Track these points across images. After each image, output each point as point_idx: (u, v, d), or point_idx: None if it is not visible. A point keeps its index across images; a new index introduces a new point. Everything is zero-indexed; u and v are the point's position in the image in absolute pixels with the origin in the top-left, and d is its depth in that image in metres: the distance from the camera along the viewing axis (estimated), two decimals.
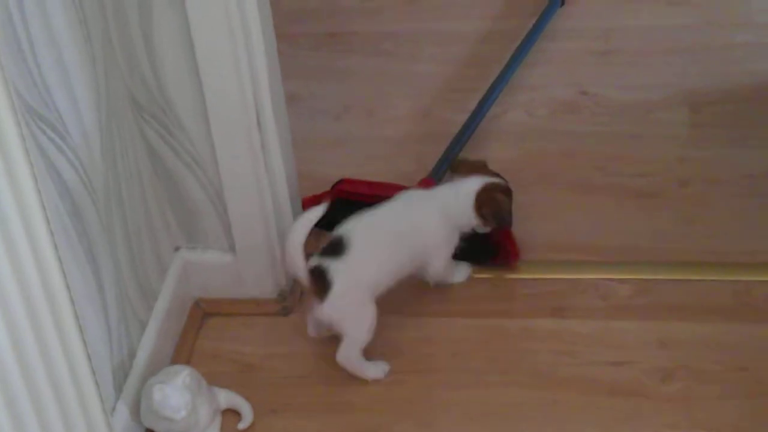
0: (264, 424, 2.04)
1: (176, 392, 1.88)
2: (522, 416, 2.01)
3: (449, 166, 2.40)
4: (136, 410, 1.95)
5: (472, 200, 2.15)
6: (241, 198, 2.14)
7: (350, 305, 2.05)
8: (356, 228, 2.09)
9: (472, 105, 2.73)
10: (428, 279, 2.20)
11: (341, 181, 2.38)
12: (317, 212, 2.01)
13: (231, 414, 2.05)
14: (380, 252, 2.09)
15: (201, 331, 2.23)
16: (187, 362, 2.12)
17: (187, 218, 2.19)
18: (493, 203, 2.15)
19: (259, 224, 2.18)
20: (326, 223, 2.28)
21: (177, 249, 2.23)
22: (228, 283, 2.25)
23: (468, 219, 2.16)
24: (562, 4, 3.02)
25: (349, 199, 2.33)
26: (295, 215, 2.25)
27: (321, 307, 2.03)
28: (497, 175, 2.21)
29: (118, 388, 1.95)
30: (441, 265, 2.18)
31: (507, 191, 2.19)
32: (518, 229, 2.26)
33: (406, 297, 2.22)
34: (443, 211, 2.15)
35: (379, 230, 2.12)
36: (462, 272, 2.28)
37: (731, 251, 2.30)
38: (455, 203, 2.16)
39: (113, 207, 1.93)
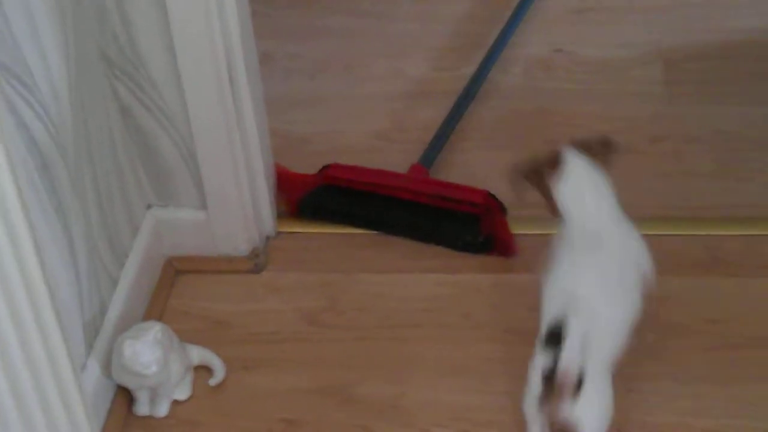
0: (235, 381, 2.04)
1: (147, 348, 1.88)
2: (495, 371, 2.02)
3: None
4: (107, 367, 1.95)
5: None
6: (213, 155, 2.14)
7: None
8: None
9: (447, 63, 2.75)
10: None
11: (328, 166, 2.35)
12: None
13: (203, 370, 2.05)
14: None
15: (173, 288, 2.23)
16: (159, 319, 2.11)
17: (159, 176, 2.18)
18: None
19: (231, 182, 2.17)
20: (312, 211, 2.30)
21: (149, 207, 2.22)
22: (200, 241, 2.24)
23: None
24: None
25: (336, 184, 2.34)
26: (267, 173, 2.25)
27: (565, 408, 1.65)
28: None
29: (89, 345, 1.95)
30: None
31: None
32: (493, 188, 2.25)
33: (377, 254, 2.22)
34: None
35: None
36: None
37: (703, 206, 2.31)
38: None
39: (83, 163, 1.92)
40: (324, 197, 2.33)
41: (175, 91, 2.06)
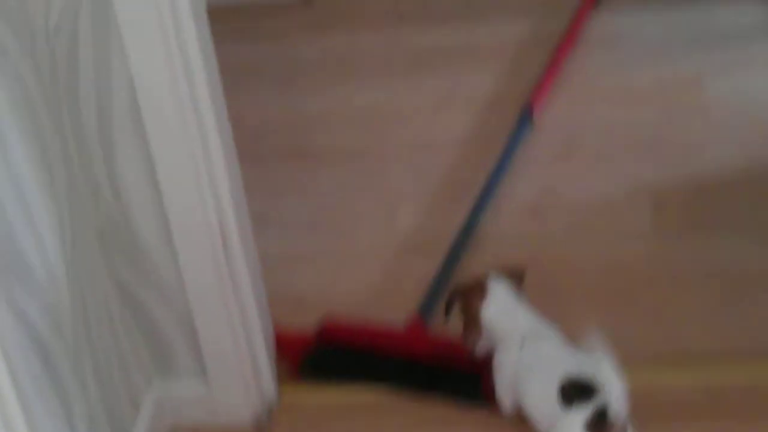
0: None
1: None
2: None
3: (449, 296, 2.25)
4: None
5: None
6: (211, 324, 2.15)
7: None
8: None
9: (438, 214, 2.77)
10: None
11: (326, 325, 2.36)
12: None
13: None
14: None
15: None
16: None
17: (157, 349, 2.18)
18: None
19: (231, 350, 2.17)
20: (315, 374, 2.31)
21: (149, 381, 2.21)
22: (202, 413, 2.23)
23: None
24: (532, 126, 3.04)
25: (335, 343, 2.34)
26: (266, 338, 2.25)
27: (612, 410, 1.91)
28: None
29: None
30: None
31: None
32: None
33: (380, 424, 2.21)
34: None
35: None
36: None
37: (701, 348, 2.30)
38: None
39: (83, 348, 1.92)
40: (324, 359, 2.33)
41: (169, 264, 2.08)
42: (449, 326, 2.22)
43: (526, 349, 2.08)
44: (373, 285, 2.58)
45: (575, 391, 1.93)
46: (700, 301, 2.43)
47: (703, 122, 3.00)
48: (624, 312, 2.43)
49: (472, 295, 2.16)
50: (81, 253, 1.95)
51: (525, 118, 3.01)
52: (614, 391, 1.92)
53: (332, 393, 2.31)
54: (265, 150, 3.10)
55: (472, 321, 2.16)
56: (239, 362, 2.19)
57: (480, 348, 2.18)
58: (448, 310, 2.19)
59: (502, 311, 2.14)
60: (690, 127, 2.99)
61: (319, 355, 2.32)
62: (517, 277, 2.20)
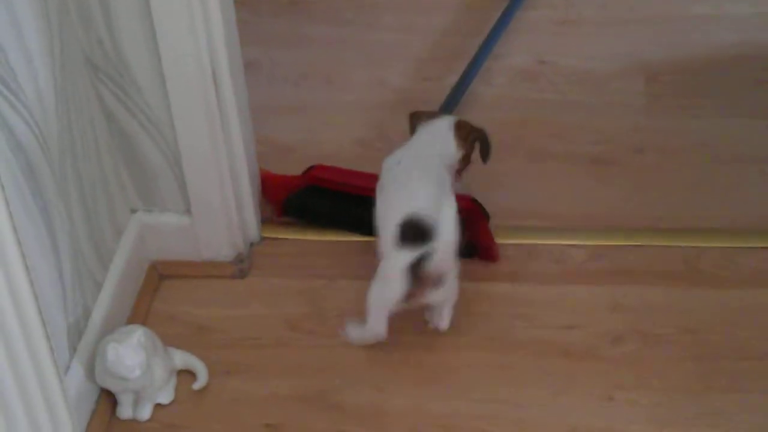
0: (218, 385, 2.05)
1: (131, 351, 1.88)
2: (475, 378, 2.04)
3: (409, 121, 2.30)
4: (91, 370, 1.96)
5: (452, 131, 2.16)
6: (198, 160, 2.15)
7: (450, 275, 2.02)
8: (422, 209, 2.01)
9: (431, 73, 2.77)
10: None
11: (313, 167, 2.35)
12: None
13: (186, 375, 2.06)
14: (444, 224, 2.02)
15: (157, 293, 2.24)
16: (143, 323, 2.11)
17: (143, 180, 2.19)
18: (475, 129, 2.18)
19: (216, 186, 2.18)
20: (298, 211, 2.32)
21: (133, 211, 2.23)
22: (184, 246, 2.25)
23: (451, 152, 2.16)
24: None
25: (321, 186, 2.34)
26: (252, 178, 2.26)
27: (433, 263, 1.96)
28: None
29: (73, 348, 1.95)
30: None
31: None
32: (477, 194, 2.26)
33: (361, 260, 2.24)
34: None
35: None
36: None
37: (683, 217, 2.33)
38: (439, 141, 2.16)
39: (68, 166, 1.93)
40: (309, 199, 2.33)
41: (159, 96, 2.07)
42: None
43: (399, 168, 2.10)
44: (360, 138, 2.59)
45: (411, 233, 1.97)
46: (685, 174, 2.44)
47: (704, 4, 2.97)
48: (607, 178, 2.44)
49: (417, 114, 2.24)
50: (70, 77, 1.94)
51: None
52: (442, 242, 1.97)
53: (315, 235, 2.33)
54: (261, 1, 3.06)
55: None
56: (223, 199, 2.20)
57: None
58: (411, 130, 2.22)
59: (429, 136, 2.17)
60: (690, 7, 2.96)
61: (303, 195, 2.33)
62: (473, 137, 2.18)
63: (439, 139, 2.17)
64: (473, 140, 2.18)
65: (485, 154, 2.19)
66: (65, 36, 1.92)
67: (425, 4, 3.04)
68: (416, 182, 2.06)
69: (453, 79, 2.67)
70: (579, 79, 2.73)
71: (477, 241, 2.25)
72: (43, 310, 1.61)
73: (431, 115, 2.24)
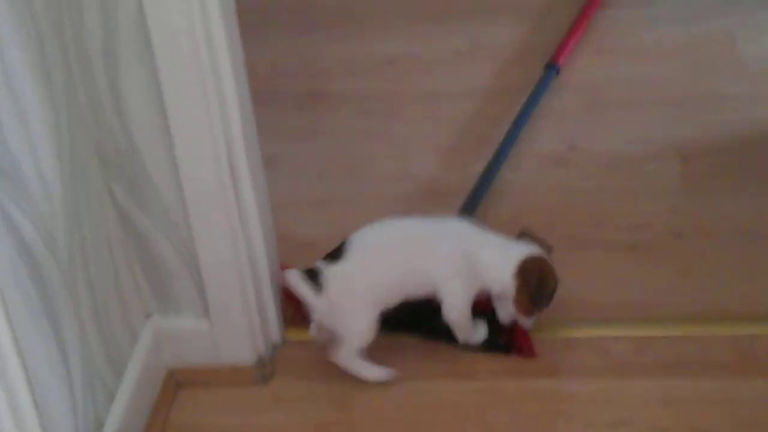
0: None
1: None
2: None
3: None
4: None
5: (516, 261, 2.05)
6: (216, 260, 2.03)
7: (344, 310, 2.04)
8: (366, 237, 2.08)
9: (456, 162, 2.67)
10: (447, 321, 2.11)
11: None
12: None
13: None
14: (383, 265, 2.06)
15: (175, 402, 2.11)
16: None
17: (158, 282, 2.07)
18: (541, 273, 2.05)
19: (235, 287, 2.06)
20: None
21: (148, 316, 2.10)
22: (203, 351, 2.12)
23: (498, 278, 2.05)
24: (557, 74, 2.91)
25: None
26: (273, 278, 2.14)
27: (317, 308, 2.05)
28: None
29: None
30: (456, 302, 2.07)
31: (556, 282, 2.08)
32: None
33: (391, 360, 2.11)
34: (474, 250, 2.06)
35: (390, 243, 2.09)
36: (481, 332, 2.15)
37: (730, 304, 2.20)
38: (495, 254, 2.07)
39: (78, 269, 1.81)
40: None
41: (174, 192, 1.96)
42: None
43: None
44: None
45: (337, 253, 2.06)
46: (729, 258, 2.32)
47: (735, 80, 2.88)
48: (648, 265, 2.31)
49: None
50: (80, 171, 1.84)
51: (550, 68, 2.88)
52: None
53: None
54: (279, 95, 2.98)
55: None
56: (244, 301, 2.08)
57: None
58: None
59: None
60: (721, 84, 2.87)
61: None
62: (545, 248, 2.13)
63: (500, 254, 2.08)
64: (534, 281, 2.05)
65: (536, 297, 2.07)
66: (74, 127, 1.81)
67: (449, 93, 2.95)
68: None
69: (479, 166, 2.56)
70: (611, 164, 2.62)
71: (513, 338, 2.12)
72: (49, 423, 1.48)
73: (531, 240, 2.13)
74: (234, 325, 2.10)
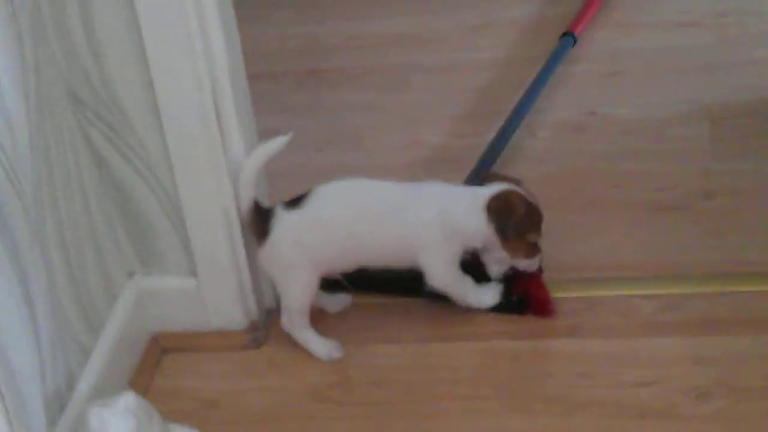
0: None
1: (117, 418, 1.57)
2: None
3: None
4: None
5: (488, 196, 1.86)
6: (202, 211, 1.87)
7: (283, 263, 1.85)
8: (331, 190, 1.86)
9: (468, 130, 2.50)
10: (434, 288, 1.91)
11: None
12: (282, 141, 1.84)
13: None
14: (342, 224, 1.84)
15: (159, 366, 1.94)
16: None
17: (141, 237, 1.91)
18: (505, 202, 1.85)
19: (224, 243, 1.90)
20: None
21: (131, 275, 1.94)
22: (190, 314, 1.96)
23: (475, 228, 1.86)
24: (575, 43, 2.74)
25: None
26: None
27: (258, 251, 1.87)
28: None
29: (52, 421, 1.64)
30: (438, 270, 1.87)
31: (531, 207, 1.89)
32: None
33: (395, 322, 1.94)
34: (445, 205, 1.86)
35: (356, 201, 1.87)
36: (490, 295, 1.95)
37: (763, 261, 2.01)
38: (468, 203, 1.86)
39: (47, 213, 1.66)
40: None
41: (156, 139, 1.81)
42: None
43: None
44: None
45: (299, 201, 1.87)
46: (761, 217, 2.13)
47: (764, 47, 2.69)
48: (675, 225, 2.13)
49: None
50: (48, 110, 1.69)
51: (567, 37, 2.72)
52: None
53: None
54: (284, 70, 2.84)
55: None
56: (234, 260, 1.92)
57: None
58: None
59: None
60: (749, 51, 2.68)
61: None
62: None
63: (471, 201, 1.88)
64: (495, 213, 1.86)
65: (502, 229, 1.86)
66: (42, 63, 1.67)
67: (461, 65, 2.78)
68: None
69: (493, 135, 2.39)
70: (635, 128, 2.44)
71: (528, 295, 1.94)
72: (12, 373, 1.32)
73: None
74: (223, 286, 1.93)
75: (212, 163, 1.83)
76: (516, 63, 2.74)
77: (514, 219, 1.84)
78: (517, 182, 1.93)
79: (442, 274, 1.88)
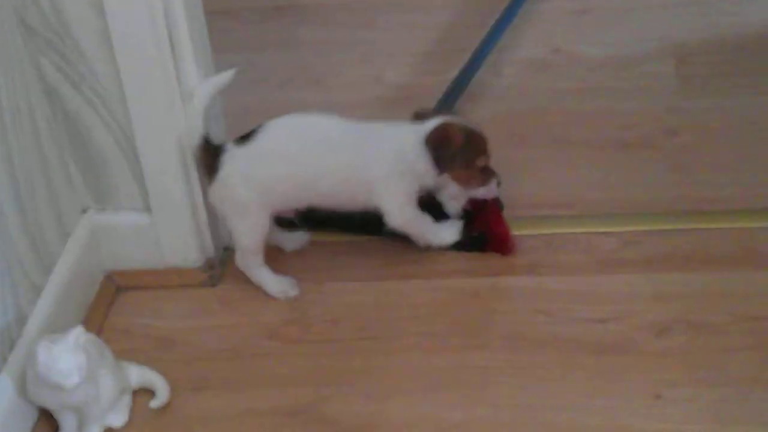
0: (182, 403, 1.70)
1: (67, 353, 1.53)
2: (491, 381, 1.68)
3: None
4: (24, 385, 1.61)
5: (424, 136, 1.81)
6: (156, 145, 1.83)
7: (233, 200, 1.80)
8: (282, 124, 1.81)
9: (431, 68, 2.47)
10: (393, 228, 1.86)
11: None
12: (229, 75, 1.79)
13: (144, 394, 1.71)
14: (291, 158, 1.79)
15: (114, 304, 1.91)
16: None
17: (94, 171, 1.86)
18: (440, 134, 1.80)
19: (179, 179, 1.85)
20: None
21: (84, 210, 1.90)
22: (145, 251, 1.92)
23: (423, 158, 1.81)
24: None
25: None
26: None
27: (208, 189, 1.82)
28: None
29: (1, 358, 1.61)
30: (395, 209, 1.83)
31: (470, 133, 1.84)
32: None
33: (351, 261, 1.92)
34: (399, 145, 1.81)
35: (306, 135, 1.81)
36: (450, 233, 1.91)
37: (728, 198, 1.99)
38: (415, 137, 1.81)
39: None
40: None
41: (108, 66, 1.76)
42: None
43: None
44: None
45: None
46: (725, 153, 2.12)
47: None
48: (638, 162, 2.11)
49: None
50: None
51: None
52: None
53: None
54: (247, 7, 2.77)
55: None
56: (189, 195, 1.88)
57: None
58: None
59: None
60: None
61: None
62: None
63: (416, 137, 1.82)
64: (431, 147, 1.80)
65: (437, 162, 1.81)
66: None
67: (425, 3, 2.73)
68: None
69: (456, 73, 2.35)
70: (600, 66, 2.41)
71: (489, 231, 1.91)
72: None
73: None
74: (178, 222, 1.89)
75: (166, 95, 1.78)
76: (481, 2, 2.69)
77: (453, 148, 1.80)
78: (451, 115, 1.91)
79: (399, 213, 1.84)
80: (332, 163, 1.79)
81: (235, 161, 1.78)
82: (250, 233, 1.83)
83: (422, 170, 1.82)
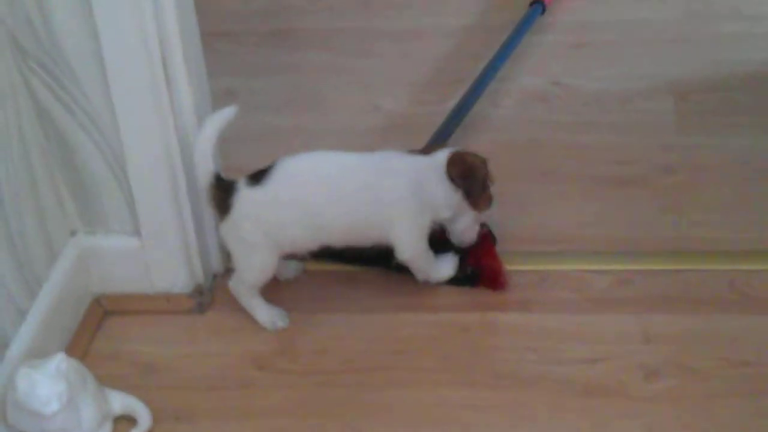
0: None
1: (47, 380, 1.52)
2: (477, 420, 1.67)
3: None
4: (4, 410, 1.59)
5: (444, 164, 1.80)
6: (147, 169, 1.82)
7: (244, 240, 1.78)
8: (294, 167, 1.78)
9: (429, 98, 2.46)
10: (402, 261, 1.85)
11: None
12: (231, 111, 1.76)
13: (126, 422, 1.69)
14: (304, 205, 1.76)
15: (100, 330, 1.89)
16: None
17: (84, 194, 1.85)
18: (464, 164, 1.80)
19: (170, 202, 1.85)
20: None
21: (73, 233, 1.88)
22: (134, 276, 1.90)
23: (442, 191, 1.80)
24: (543, 12, 2.69)
25: None
26: None
27: (219, 225, 1.81)
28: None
29: None
30: (410, 244, 1.82)
31: (482, 161, 1.84)
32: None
33: (342, 291, 1.91)
34: (416, 178, 1.79)
35: (319, 180, 1.78)
36: (448, 267, 1.90)
37: (720, 239, 1.99)
38: (431, 171, 1.80)
39: None
40: None
41: (100, 89, 1.75)
42: None
43: None
44: None
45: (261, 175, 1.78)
46: (721, 193, 2.11)
47: (732, 23, 2.65)
48: (633, 199, 2.10)
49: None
50: None
51: (536, 5, 2.66)
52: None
53: None
54: (245, 31, 2.76)
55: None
56: (179, 220, 1.87)
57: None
58: None
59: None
60: (718, 27, 2.64)
61: None
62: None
63: (433, 168, 1.83)
64: (460, 177, 1.81)
65: (469, 189, 1.83)
66: None
67: (425, 31, 2.73)
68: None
69: (454, 103, 2.34)
70: (599, 101, 2.40)
71: (482, 266, 1.90)
72: None
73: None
74: (168, 247, 1.88)
75: (159, 119, 1.77)
76: (483, 30, 2.68)
77: (479, 176, 1.81)
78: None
79: (413, 247, 1.83)
80: (352, 207, 1.77)
81: (247, 204, 1.76)
82: (255, 271, 1.82)
83: (441, 202, 1.81)
